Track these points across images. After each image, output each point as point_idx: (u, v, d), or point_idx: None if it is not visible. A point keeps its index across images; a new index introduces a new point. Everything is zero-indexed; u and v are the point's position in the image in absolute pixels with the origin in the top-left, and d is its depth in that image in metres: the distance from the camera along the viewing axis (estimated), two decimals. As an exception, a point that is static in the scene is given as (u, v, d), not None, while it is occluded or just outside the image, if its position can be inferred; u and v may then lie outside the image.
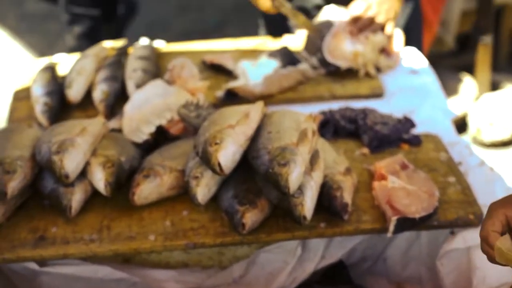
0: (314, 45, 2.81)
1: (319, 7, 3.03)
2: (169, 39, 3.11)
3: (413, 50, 2.93)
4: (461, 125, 4.79)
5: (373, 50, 2.73)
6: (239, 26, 6.38)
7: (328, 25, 2.77)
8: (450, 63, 5.25)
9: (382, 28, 2.78)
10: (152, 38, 3.08)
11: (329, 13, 2.86)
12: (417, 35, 3.21)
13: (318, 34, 2.77)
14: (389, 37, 2.79)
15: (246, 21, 6.30)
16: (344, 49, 2.73)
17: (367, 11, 2.76)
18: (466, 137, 4.80)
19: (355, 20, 2.76)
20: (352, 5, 2.81)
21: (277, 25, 3.17)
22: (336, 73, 2.74)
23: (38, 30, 6.39)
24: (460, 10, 4.83)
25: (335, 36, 2.75)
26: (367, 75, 2.74)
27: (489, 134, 4.64)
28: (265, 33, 3.31)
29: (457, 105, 4.78)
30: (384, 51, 2.80)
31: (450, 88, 4.93)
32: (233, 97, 2.59)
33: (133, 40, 3.14)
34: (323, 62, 2.75)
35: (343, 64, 2.72)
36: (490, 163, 2.29)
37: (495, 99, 4.72)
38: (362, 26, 2.75)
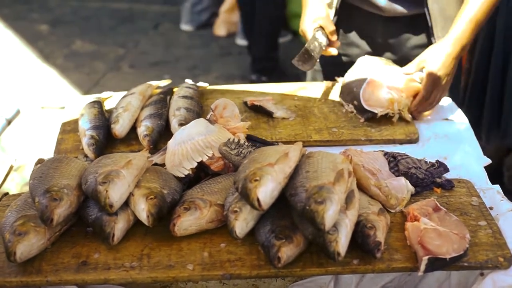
0: (350, 93, 2.88)
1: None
2: (209, 83, 3.19)
3: (447, 99, 2.97)
4: (494, 172, 4.80)
5: (408, 97, 2.78)
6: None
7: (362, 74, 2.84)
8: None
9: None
10: (194, 80, 3.16)
11: (364, 63, 2.94)
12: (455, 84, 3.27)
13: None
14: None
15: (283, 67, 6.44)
16: (380, 96, 2.78)
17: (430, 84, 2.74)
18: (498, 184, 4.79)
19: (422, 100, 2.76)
20: (408, 66, 2.83)
21: None
22: (372, 119, 2.80)
23: (84, 69, 6.57)
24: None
25: (371, 84, 2.81)
26: (402, 120, 2.78)
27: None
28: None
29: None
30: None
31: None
32: None
33: (176, 81, 3.23)
34: (360, 109, 2.81)
35: (379, 110, 2.77)
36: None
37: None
38: (422, 109, 2.80)
